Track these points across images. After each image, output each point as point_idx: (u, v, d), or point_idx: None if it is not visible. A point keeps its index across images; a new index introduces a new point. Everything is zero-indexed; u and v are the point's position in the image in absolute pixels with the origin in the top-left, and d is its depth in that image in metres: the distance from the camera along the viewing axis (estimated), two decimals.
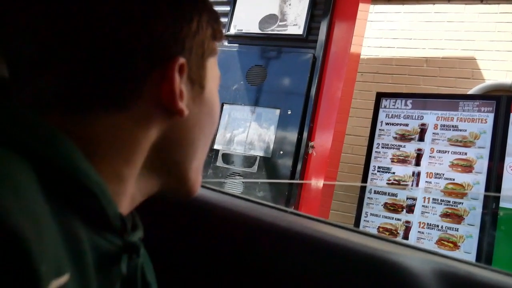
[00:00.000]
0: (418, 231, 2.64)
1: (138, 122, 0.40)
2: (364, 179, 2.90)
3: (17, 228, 0.27)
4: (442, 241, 2.55)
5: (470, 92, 3.16)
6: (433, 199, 2.63)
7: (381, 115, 2.92)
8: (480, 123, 2.60)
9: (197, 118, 0.45)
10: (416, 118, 2.80)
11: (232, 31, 2.76)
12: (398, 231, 2.69)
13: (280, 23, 2.64)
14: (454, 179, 2.60)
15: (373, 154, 2.89)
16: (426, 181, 2.68)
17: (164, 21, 0.40)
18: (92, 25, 0.38)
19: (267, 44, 2.65)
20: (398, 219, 2.71)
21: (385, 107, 2.92)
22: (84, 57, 0.38)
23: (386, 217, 2.75)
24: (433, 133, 2.72)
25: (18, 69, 0.40)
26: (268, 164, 2.49)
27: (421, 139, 2.76)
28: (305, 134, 2.44)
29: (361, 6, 2.59)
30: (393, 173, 2.80)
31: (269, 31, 2.66)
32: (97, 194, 0.36)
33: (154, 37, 0.40)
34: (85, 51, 0.38)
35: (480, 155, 2.55)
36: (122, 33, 0.38)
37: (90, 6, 0.38)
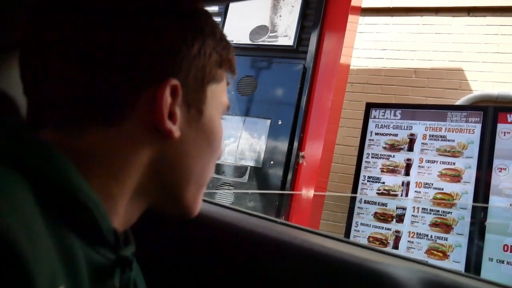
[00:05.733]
0: (408, 241, 2.65)
1: (128, 139, 0.40)
2: (354, 188, 2.91)
3: (14, 242, 0.27)
4: (431, 251, 2.56)
5: (457, 102, 3.20)
6: (423, 208, 2.65)
7: (371, 125, 2.94)
8: (467, 134, 2.63)
9: (193, 143, 0.45)
10: (405, 128, 2.82)
11: None
12: (388, 241, 2.70)
13: (271, 34, 2.66)
14: (443, 189, 2.62)
15: (363, 164, 2.90)
16: (415, 191, 2.70)
17: (162, 41, 0.40)
18: (88, 38, 0.38)
19: (258, 55, 2.66)
20: (388, 229, 2.72)
21: (374, 117, 2.94)
22: (79, 69, 0.38)
23: (376, 226, 2.76)
24: (422, 143, 2.75)
25: (24, 83, 0.41)
26: (258, 174, 2.48)
27: (410, 149, 2.78)
28: (295, 144, 2.44)
29: (351, 17, 2.62)
30: (383, 183, 2.82)
31: (259, 42, 2.68)
32: (91, 209, 0.36)
33: (150, 55, 0.40)
34: (79, 64, 0.38)
35: (468, 165, 2.58)
36: (119, 47, 0.39)
37: (88, 21, 0.38)
